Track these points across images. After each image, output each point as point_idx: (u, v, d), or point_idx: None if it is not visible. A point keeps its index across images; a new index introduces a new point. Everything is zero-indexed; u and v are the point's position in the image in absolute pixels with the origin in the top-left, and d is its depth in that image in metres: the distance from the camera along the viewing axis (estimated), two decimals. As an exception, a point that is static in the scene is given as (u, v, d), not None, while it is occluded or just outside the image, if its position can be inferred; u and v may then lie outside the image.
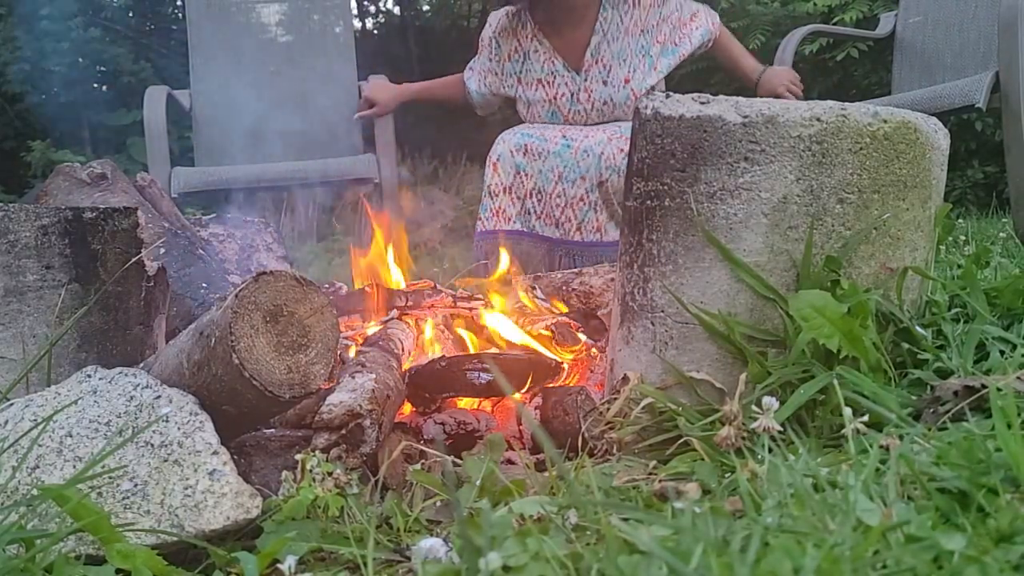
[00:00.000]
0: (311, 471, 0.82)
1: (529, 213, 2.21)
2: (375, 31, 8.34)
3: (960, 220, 3.22)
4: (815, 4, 4.97)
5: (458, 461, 0.90)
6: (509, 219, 2.22)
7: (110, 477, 0.76)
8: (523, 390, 1.20)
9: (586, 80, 2.22)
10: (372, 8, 8.43)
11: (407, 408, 1.18)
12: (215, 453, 0.79)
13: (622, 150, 2.14)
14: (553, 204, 2.19)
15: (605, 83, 2.21)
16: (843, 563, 0.49)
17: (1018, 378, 0.81)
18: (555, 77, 2.24)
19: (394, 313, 1.42)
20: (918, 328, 0.95)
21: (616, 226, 2.17)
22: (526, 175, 2.20)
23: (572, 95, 2.23)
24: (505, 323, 1.42)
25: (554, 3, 2.20)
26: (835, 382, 0.83)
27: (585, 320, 1.45)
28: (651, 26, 2.18)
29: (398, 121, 3.01)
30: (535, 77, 2.26)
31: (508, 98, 2.39)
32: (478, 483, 0.82)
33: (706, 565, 0.50)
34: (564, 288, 1.58)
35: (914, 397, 0.87)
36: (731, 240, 0.92)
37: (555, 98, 2.24)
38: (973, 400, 0.79)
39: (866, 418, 0.75)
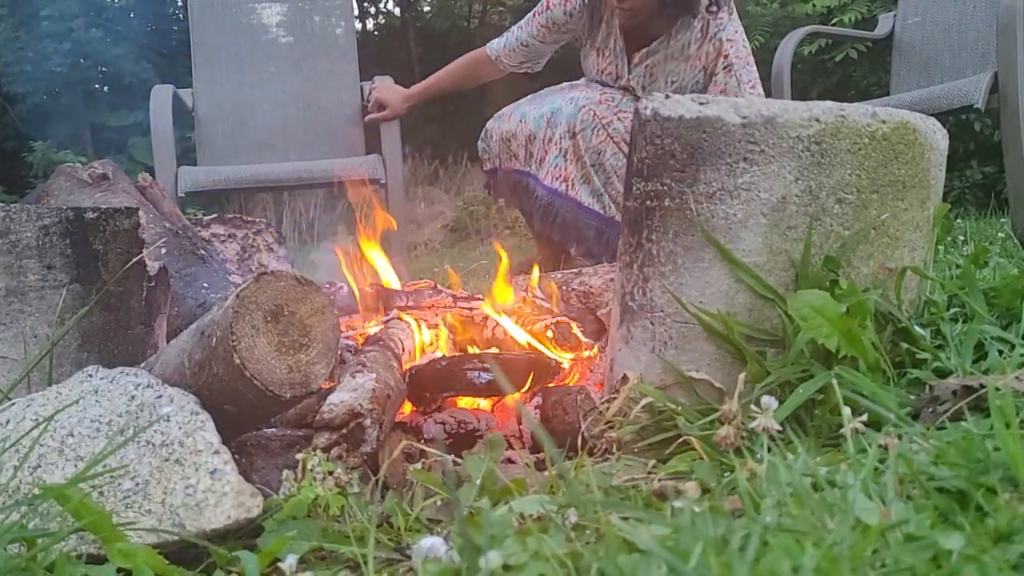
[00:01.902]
0: (312, 470, 0.82)
1: (531, 156, 2.24)
2: (375, 32, 8.35)
3: (959, 220, 3.22)
4: (814, 5, 4.97)
5: (458, 460, 0.90)
6: (515, 157, 2.29)
7: (111, 476, 0.77)
8: (523, 390, 1.21)
9: (630, 74, 2.23)
10: (372, 9, 8.44)
11: (407, 408, 1.18)
12: (216, 452, 0.79)
13: (611, 116, 2.12)
14: (537, 145, 2.21)
15: (643, 88, 2.23)
16: (842, 562, 0.49)
17: (1016, 378, 0.81)
18: (608, 52, 2.26)
19: (394, 313, 1.43)
20: (917, 328, 0.95)
21: (589, 190, 2.15)
22: (524, 122, 2.24)
23: (615, 76, 2.25)
24: (505, 323, 1.42)
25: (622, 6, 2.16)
26: (834, 382, 0.83)
27: (585, 320, 1.45)
28: (711, 71, 2.17)
29: (399, 121, 3.01)
30: (596, 45, 2.28)
31: (569, 39, 2.36)
32: (478, 482, 0.82)
33: (705, 564, 0.50)
34: (564, 288, 1.58)
35: (913, 397, 0.87)
36: (730, 240, 0.93)
37: (602, 70, 2.27)
38: (972, 400, 0.79)
39: (865, 417, 0.75)
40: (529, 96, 2.38)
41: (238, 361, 0.80)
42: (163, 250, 1.40)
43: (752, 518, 0.59)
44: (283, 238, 1.80)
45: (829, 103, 0.94)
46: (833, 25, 4.70)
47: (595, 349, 1.38)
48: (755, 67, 2.19)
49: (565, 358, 1.34)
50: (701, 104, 0.94)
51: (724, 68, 2.14)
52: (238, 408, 0.86)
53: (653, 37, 2.20)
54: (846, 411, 0.75)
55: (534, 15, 2.35)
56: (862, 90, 4.88)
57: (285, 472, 0.85)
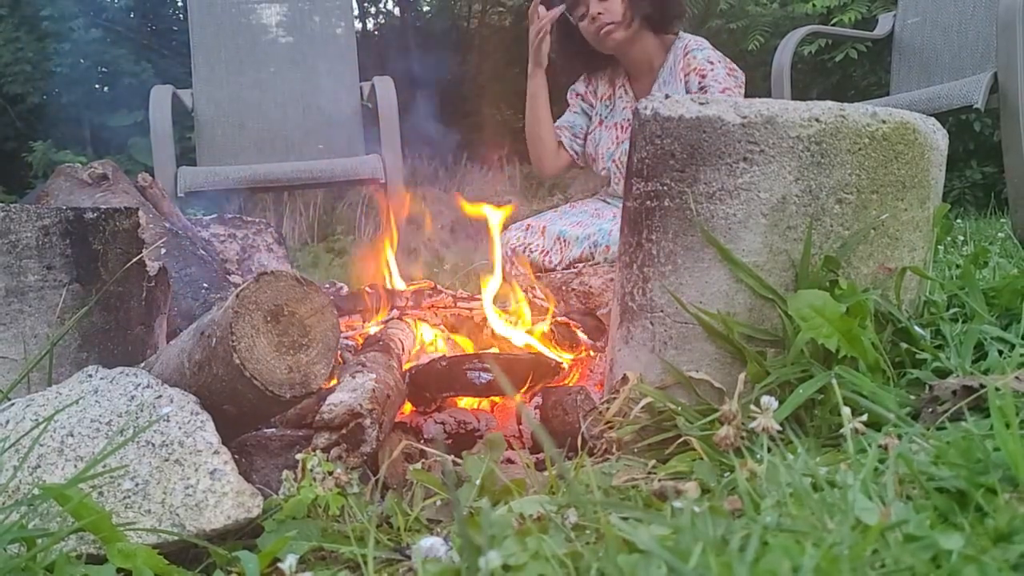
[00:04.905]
0: (312, 470, 0.82)
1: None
2: (376, 32, 8.35)
3: (958, 220, 3.22)
4: (814, 5, 4.97)
5: (458, 460, 0.90)
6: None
7: (111, 476, 0.77)
8: (523, 390, 1.21)
9: None
10: (372, 9, 8.44)
11: (407, 408, 1.18)
12: (216, 452, 0.79)
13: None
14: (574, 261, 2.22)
15: (667, 96, 2.21)
16: (842, 562, 0.49)
17: (1016, 378, 0.81)
18: (628, 124, 2.27)
19: (394, 313, 1.43)
20: (916, 328, 0.95)
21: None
22: (564, 240, 2.24)
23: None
24: (506, 324, 1.42)
25: (620, 59, 2.22)
26: (834, 382, 0.83)
27: (585, 320, 1.45)
28: (687, 74, 2.17)
29: (399, 121, 3.02)
30: (615, 121, 2.29)
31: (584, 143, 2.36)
32: (478, 482, 0.82)
33: (705, 564, 0.50)
34: (564, 288, 1.58)
35: (912, 397, 0.87)
36: (730, 240, 0.93)
37: (623, 142, 2.27)
38: (971, 400, 0.79)
39: (865, 418, 0.75)
40: (556, 212, 2.34)
41: (238, 361, 0.80)
42: (163, 250, 1.40)
43: (752, 518, 0.59)
44: (283, 238, 1.80)
45: (829, 103, 0.94)
46: (833, 25, 4.70)
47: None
48: (731, 76, 2.16)
49: (565, 358, 1.34)
50: (701, 104, 0.95)
51: (699, 89, 2.14)
52: (238, 408, 0.86)
53: (651, 84, 2.22)
54: (846, 411, 0.75)
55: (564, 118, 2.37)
56: (862, 90, 4.88)
57: (285, 472, 0.85)
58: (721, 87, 2.11)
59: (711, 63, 2.13)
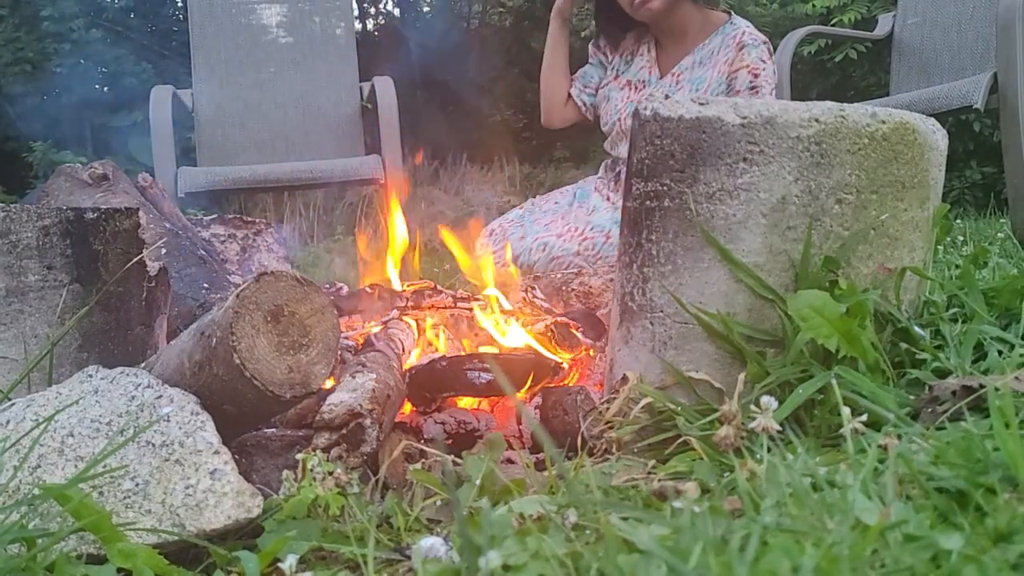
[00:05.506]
0: (312, 470, 0.83)
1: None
2: (375, 32, 8.35)
3: (958, 220, 3.22)
4: (813, 5, 4.98)
5: (458, 460, 0.90)
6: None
7: (111, 476, 0.77)
8: (523, 390, 1.21)
9: (658, 88, 2.18)
10: (372, 9, 8.45)
11: (407, 408, 1.18)
12: (216, 452, 0.79)
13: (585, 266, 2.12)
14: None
15: (667, 97, 2.18)
16: (841, 562, 0.49)
17: (1016, 378, 0.81)
18: (643, 85, 2.22)
19: (394, 313, 1.43)
20: (916, 328, 0.95)
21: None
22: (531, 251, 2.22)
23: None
24: (506, 324, 1.42)
25: (652, 27, 2.19)
26: (833, 382, 0.83)
27: (585, 320, 1.45)
28: (737, 69, 2.11)
29: (400, 122, 3.02)
30: (627, 79, 2.24)
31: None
32: (478, 482, 0.82)
33: (705, 564, 0.50)
34: (564, 288, 1.59)
35: (912, 397, 0.87)
36: (730, 240, 0.93)
37: (631, 102, 2.22)
38: (971, 400, 0.80)
39: (864, 418, 0.76)
40: (522, 212, 2.32)
41: (238, 361, 0.80)
42: (163, 250, 1.40)
43: (752, 518, 0.59)
44: (283, 238, 1.80)
45: (829, 103, 0.94)
46: (833, 25, 4.70)
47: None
48: (775, 75, 2.12)
49: (565, 358, 1.34)
50: (701, 105, 0.95)
51: (750, 88, 2.09)
52: (238, 408, 0.86)
53: (682, 54, 2.17)
54: (845, 411, 0.75)
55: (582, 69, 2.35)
56: (861, 90, 4.88)
57: (285, 472, 0.85)
58: (770, 88, 2.08)
59: (763, 62, 2.10)
